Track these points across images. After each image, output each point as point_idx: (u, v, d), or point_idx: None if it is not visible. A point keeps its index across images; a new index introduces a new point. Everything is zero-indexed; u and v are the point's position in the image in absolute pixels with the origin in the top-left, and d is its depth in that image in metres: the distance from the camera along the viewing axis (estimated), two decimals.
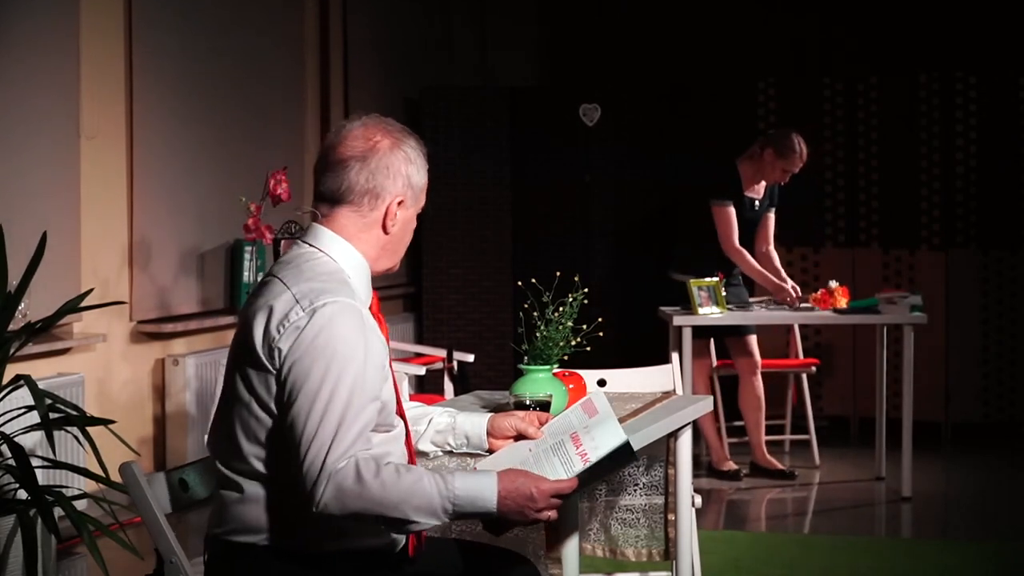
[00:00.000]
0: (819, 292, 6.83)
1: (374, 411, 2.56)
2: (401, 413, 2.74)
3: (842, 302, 6.74)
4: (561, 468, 2.65)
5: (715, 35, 9.72)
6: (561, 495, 2.61)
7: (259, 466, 2.60)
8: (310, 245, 2.68)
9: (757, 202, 7.05)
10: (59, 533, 4.46)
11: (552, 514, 2.60)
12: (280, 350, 2.53)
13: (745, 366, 7.10)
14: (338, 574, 2.64)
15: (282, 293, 2.57)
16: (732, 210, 6.93)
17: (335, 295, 2.55)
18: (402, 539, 2.72)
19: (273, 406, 2.56)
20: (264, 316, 2.56)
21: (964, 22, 9.24)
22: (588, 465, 2.62)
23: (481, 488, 2.54)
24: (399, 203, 2.68)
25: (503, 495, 2.54)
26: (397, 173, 2.67)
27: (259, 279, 2.71)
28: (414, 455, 2.80)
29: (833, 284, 6.81)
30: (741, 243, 6.95)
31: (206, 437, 2.76)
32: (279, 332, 2.53)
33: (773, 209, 7.14)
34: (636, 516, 3.89)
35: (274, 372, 2.54)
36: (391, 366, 2.69)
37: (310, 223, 2.71)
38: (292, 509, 2.56)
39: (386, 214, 2.67)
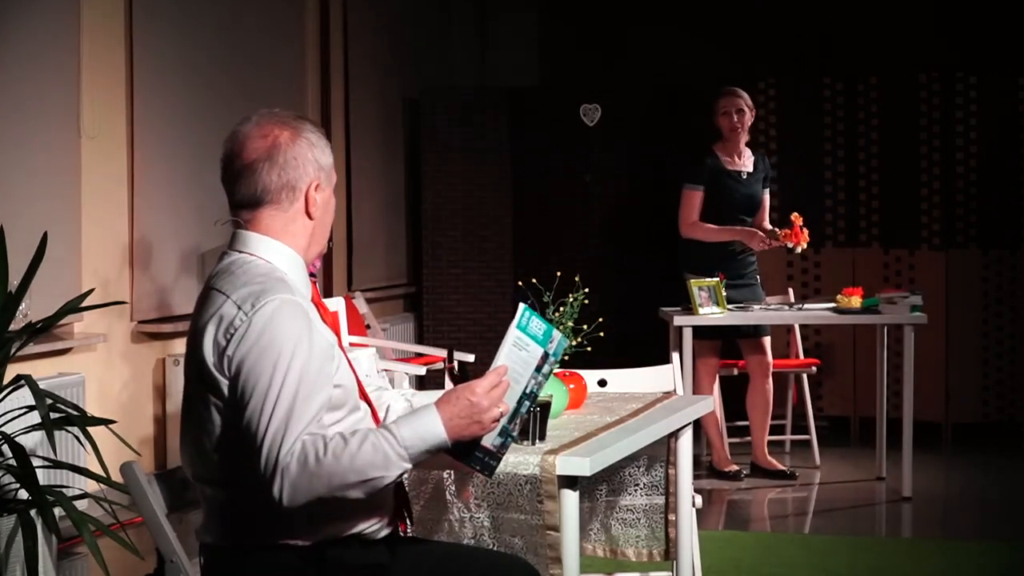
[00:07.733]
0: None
1: (325, 398, 2.57)
2: (364, 397, 2.77)
3: (855, 301, 6.74)
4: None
5: (715, 35, 9.72)
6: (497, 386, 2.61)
7: (232, 473, 2.61)
8: (239, 252, 2.72)
9: (746, 174, 7.03)
10: (60, 533, 4.46)
11: (504, 407, 2.60)
12: (230, 357, 2.56)
13: (757, 367, 7.07)
14: (333, 561, 2.64)
15: (223, 303, 2.60)
16: (699, 195, 6.94)
17: (272, 293, 2.58)
18: (386, 517, 2.73)
19: (231, 413, 2.57)
20: (212, 328, 2.59)
21: (964, 22, 9.24)
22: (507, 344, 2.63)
23: (425, 425, 2.56)
24: (316, 187, 2.72)
25: (447, 419, 2.56)
26: (305, 160, 2.70)
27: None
28: None
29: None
30: (746, 220, 6.97)
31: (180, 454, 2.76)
32: (226, 340, 2.56)
33: (767, 190, 7.13)
34: (637, 516, 3.89)
35: (227, 380, 2.57)
36: (344, 352, 2.72)
37: (234, 231, 2.74)
38: (272, 506, 2.55)
39: (307, 201, 2.72)
